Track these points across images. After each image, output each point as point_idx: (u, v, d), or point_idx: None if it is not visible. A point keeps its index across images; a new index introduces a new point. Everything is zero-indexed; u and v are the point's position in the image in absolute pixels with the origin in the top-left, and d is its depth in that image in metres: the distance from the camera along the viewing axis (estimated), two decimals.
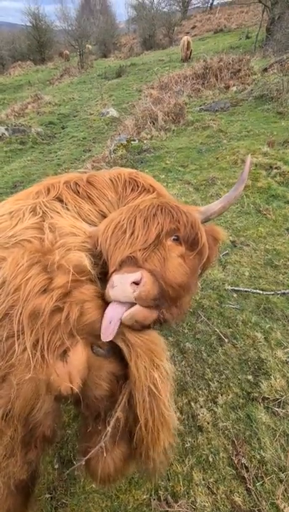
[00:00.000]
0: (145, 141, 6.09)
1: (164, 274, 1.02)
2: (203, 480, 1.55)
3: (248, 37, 15.49)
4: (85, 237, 1.17)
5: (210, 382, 1.97)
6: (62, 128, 9.81)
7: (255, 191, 3.88)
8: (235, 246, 3.12)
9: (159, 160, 5.29)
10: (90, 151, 7.47)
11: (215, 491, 1.50)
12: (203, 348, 2.20)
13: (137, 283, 0.94)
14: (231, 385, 1.95)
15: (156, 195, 1.34)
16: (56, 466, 1.65)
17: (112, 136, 7.32)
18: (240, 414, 1.79)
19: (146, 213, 1.09)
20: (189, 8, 33.22)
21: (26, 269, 0.96)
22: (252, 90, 7.52)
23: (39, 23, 27.31)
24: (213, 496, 1.49)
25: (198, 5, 33.73)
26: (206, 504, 1.46)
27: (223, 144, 5.44)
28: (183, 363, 2.12)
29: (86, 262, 1.05)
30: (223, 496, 1.48)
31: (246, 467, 1.57)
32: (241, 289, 2.62)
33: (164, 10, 28.94)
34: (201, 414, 1.80)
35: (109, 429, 0.98)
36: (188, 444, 1.69)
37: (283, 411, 1.77)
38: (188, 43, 13.81)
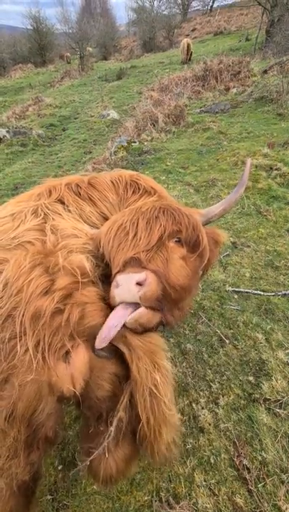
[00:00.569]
0: (146, 143, 6.11)
1: (167, 275, 1.03)
2: (205, 481, 1.55)
3: (247, 39, 15.56)
4: (86, 238, 1.18)
5: (211, 384, 1.97)
6: (63, 130, 9.85)
7: (255, 192, 3.89)
8: (236, 247, 3.12)
9: (160, 161, 5.30)
10: (90, 152, 7.51)
11: (216, 493, 1.50)
12: (204, 349, 2.20)
13: (141, 283, 0.95)
14: (232, 386, 1.95)
15: (158, 198, 1.35)
16: (58, 468, 1.65)
17: (113, 138, 7.35)
18: (241, 416, 1.79)
19: (149, 215, 1.11)
20: (189, 10, 33.45)
21: (28, 270, 0.97)
22: (252, 92, 7.55)
23: (40, 26, 27.54)
24: (215, 498, 1.48)
25: (198, 7, 33.99)
26: (208, 506, 1.46)
27: (223, 146, 5.45)
28: (184, 364, 2.12)
29: (88, 263, 1.05)
30: (225, 497, 1.48)
31: (248, 468, 1.57)
32: (242, 290, 2.63)
33: (164, 13, 29.18)
34: (202, 416, 1.80)
35: (112, 429, 0.99)
36: (190, 446, 1.69)
37: (285, 412, 1.77)
38: (188, 45, 13.90)
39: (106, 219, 1.29)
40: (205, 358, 2.14)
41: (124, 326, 0.96)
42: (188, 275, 1.10)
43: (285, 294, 2.53)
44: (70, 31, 23.83)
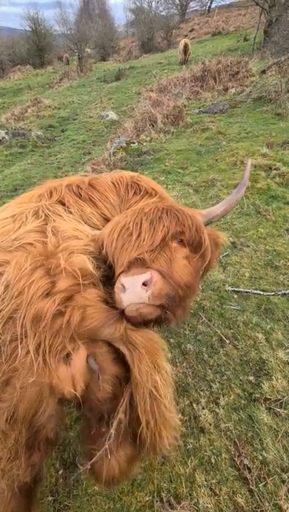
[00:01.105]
0: (145, 144, 6.12)
1: (171, 274, 1.05)
2: (206, 481, 1.55)
3: (246, 39, 15.59)
4: (87, 240, 1.18)
5: (211, 384, 1.98)
6: (62, 131, 9.85)
7: (254, 192, 3.89)
8: (236, 247, 3.13)
9: (159, 162, 5.31)
10: (89, 153, 7.51)
11: (217, 493, 1.50)
12: (204, 349, 2.21)
13: (147, 283, 0.96)
14: (233, 386, 1.95)
15: (159, 199, 1.35)
16: (58, 469, 1.65)
17: (112, 138, 7.36)
18: (242, 415, 1.79)
19: (152, 216, 1.11)
20: (187, 11, 33.51)
21: (30, 272, 0.97)
22: (250, 92, 7.57)
23: (38, 27, 27.54)
24: (216, 498, 1.49)
25: (196, 8, 34.06)
26: (209, 505, 1.46)
27: (222, 146, 5.47)
28: (184, 364, 2.12)
29: (89, 265, 1.06)
30: (226, 497, 1.49)
31: (249, 468, 1.57)
32: (242, 290, 2.63)
33: (162, 13, 29.26)
34: (202, 416, 1.80)
35: (112, 431, 0.99)
36: (191, 446, 1.69)
37: (285, 411, 1.77)
38: (187, 45, 13.91)
39: (107, 220, 1.29)
40: (205, 358, 2.15)
41: (124, 316, 0.97)
42: (192, 274, 1.13)
43: (284, 294, 2.54)
44: (69, 32, 23.86)
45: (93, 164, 5.82)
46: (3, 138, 8.53)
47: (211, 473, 1.58)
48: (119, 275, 1.03)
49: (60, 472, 1.64)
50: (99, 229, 1.25)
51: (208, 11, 31.73)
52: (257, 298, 2.55)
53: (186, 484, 1.55)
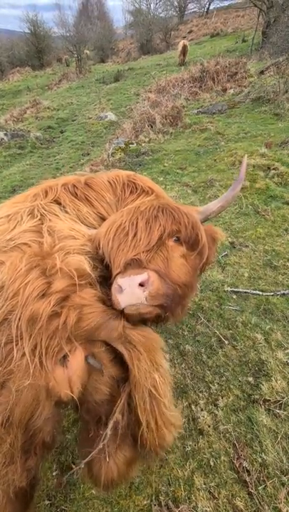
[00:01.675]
0: (143, 144, 6.12)
1: (169, 273, 1.04)
2: (205, 484, 1.53)
3: (244, 40, 15.65)
4: (84, 240, 1.17)
5: (210, 385, 1.96)
6: (61, 132, 9.85)
7: (253, 192, 3.89)
8: (234, 247, 3.12)
9: (158, 162, 5.31)
10: (88, 154, 7.51)
11: (216, 496, 1.48)
12: (203, 350, 2.19)
13: (144, 284, 0.95)
14: (232, 387, 1.94)
15: (155, 197, 1.34)
16: (55, 473, 1.63)
17: (111, 139, 7.35)
18: (241, 417, 1.78)
19: (148, 215, 1.11)
20: (186, 13, 33.66)
21: (25, 273, 0.96)
22: (249, 93, 7.59)
23: (37, 29, 27.65)
24: (215, 501, 1.47)
25: (194, 10, 34.20)
26: (208, 509, 1.44)
27: (220, 146, 5.47)
28: (183, 365, 2.11)
29: (86, 265, 1.04)
30: (225, 500, 1.47)
31: (248, 471, 1.55)
32: (241, 290, 2.62)
33: (161, 15, 29.31)
34: (201, 417, 1.78)
35: (108, 431, 0.97)
36: (189, 448, 1.67)
37: (285, 413, 1.76)
38: (185, 46, 13.95)
39: (103, 219, 1.28)
40: (204, 359, 2.13)
41: (123, 314, 0.97)
42: (189, 272, 1.12)
43: (283, 294, 2.53)
44: (68, 34, 23.88)
45: (92, 165, 5.82)
46: (2, 139, 8.52)
47: (210, 476, 1.56)
48: (116, 276, 1.02)
49: (56, 474, 1.62)
50: (95, 228, 1.24)
51: (207, 12, 31.88)
52: (256, 298, 2.54)
53: (185, 487, 1.53)
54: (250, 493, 1.48)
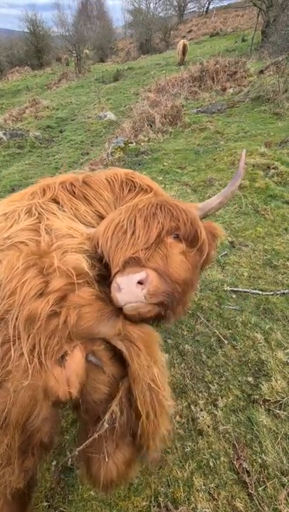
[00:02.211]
0: (143, 144, 6.11)
1: (168, 271, 1.03)
2: (204, 485, 1.52)
3: (243, 40, 15.65)
4: (82, 238, 1.16)
5: (210, 385, 1.95)
6: (60, 132, 9.83)
7: (253, 192, 3.88)
8: (234, 247, 3.11)
9: (157, 162, 5.30)
10: (87, 154, 7.49)
11: (216, 497, 1.47)
12: (202, 350, 2.18)
13: (142, 282, 0.94)
14: (231, 387, 1.92)
15: (154, 195, 1.33)
16: (53, 474, 1.62)
17: (110, 139, 7.33)
18: (240, 417, 1.77)
19: (146, 212, 1.09)
20: (185, 12, 33.65)
21: (22, 272, 0.94)
22: (248, 92, 7.58)
23: (37, 29, 27.60)
24: (215, 502, 1.46)
25: (194, 9, 34.20)
26: (207, 510, 1.43)
27: (220, 146, 5.46)
28: (182, 365, 2.09)
29: (83, 264, 1.03)
30: (225, 501, 1.46)
31: (248, 471, 1.54)
32: (240, 289, 2.61)
33: (160, 15, 29.36)
34: (201, 418, 1.77)
35: (105, 423, 0.96)
36: (189, 449, 1.66)
37: (285, 413, 1.75)
38: (185, 46, 13.95)
39: (102, 218, 1.27)
40: (203, 358, 2.12)
41: (122, 313, 0.96)
42: (189, 269, 1.11)
43: (283, 293, 2.52)
44: (67, 34, 23.83)
45: (91, 164, 5.80)
46: (1, 139, 8.50)
47: (210, 476, 1.55)
48: (114, 275, 1.01)
49: (54, 475, 1.61)
50: (94, 227, 1.23)
51: (206, 12, 31.89)
52: (256, 298, 2.53)
53: (184, 488, 1.52)
54: (250, 494, 1.47)
